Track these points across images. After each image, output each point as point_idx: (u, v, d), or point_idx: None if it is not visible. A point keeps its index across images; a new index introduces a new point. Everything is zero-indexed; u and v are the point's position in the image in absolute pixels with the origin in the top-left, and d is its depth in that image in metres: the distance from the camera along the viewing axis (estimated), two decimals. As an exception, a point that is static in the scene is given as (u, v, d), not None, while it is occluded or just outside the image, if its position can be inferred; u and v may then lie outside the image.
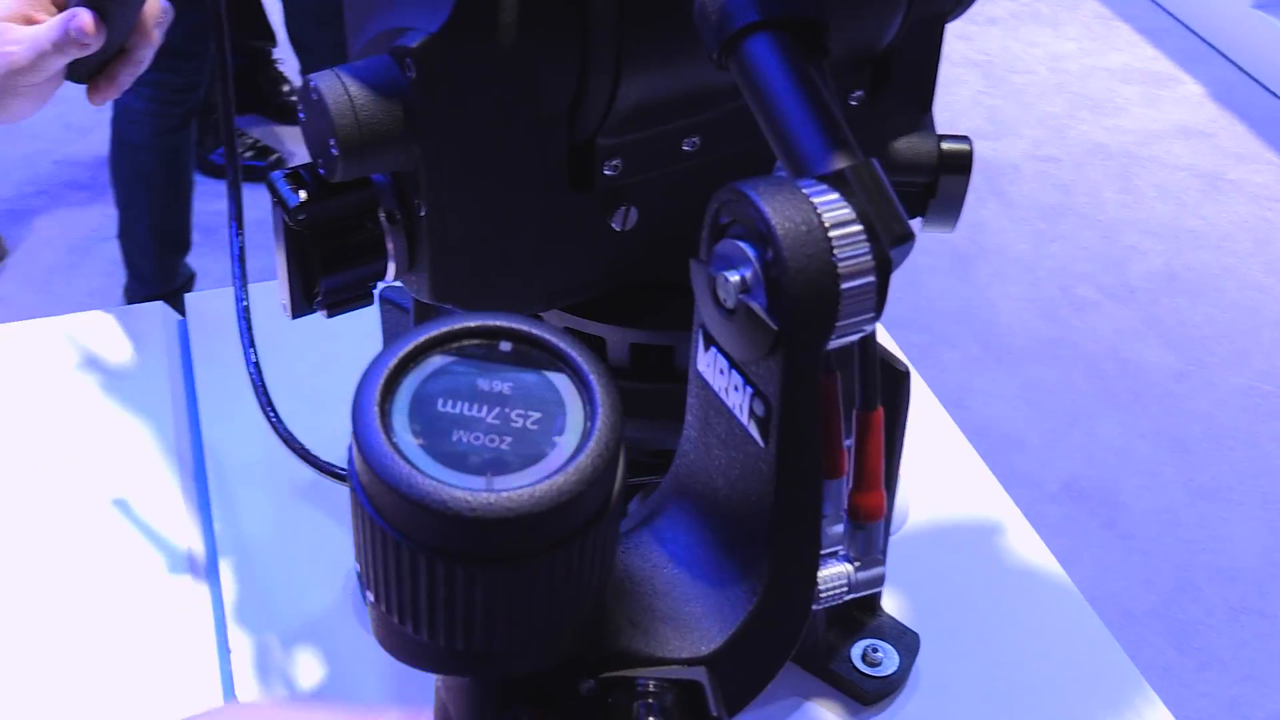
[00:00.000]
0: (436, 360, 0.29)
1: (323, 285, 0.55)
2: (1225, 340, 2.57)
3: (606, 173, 0.56)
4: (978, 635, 0.76)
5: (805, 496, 0.33)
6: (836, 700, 0.72)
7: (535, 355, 0.29)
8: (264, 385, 0.72)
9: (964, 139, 0.62)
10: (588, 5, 0.51)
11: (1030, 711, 0.72)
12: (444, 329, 0.29)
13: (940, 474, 0.86)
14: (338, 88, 0.50)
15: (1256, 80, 3.40)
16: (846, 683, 0.72)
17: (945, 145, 0.62)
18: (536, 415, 0.28)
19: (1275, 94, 3.34)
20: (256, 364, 0.72)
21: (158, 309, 0.97)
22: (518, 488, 0.27)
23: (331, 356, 0.89)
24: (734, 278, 0.31)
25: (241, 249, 0.73)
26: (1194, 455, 2.33)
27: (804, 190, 0.31)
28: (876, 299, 0.31)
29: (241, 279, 0.73)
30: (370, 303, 0.57)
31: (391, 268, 0.55)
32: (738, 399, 0.33)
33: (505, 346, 0.29)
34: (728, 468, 0.34)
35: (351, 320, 0.61)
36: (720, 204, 0.32)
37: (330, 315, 0.57)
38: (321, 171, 0.52)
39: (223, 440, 0.85)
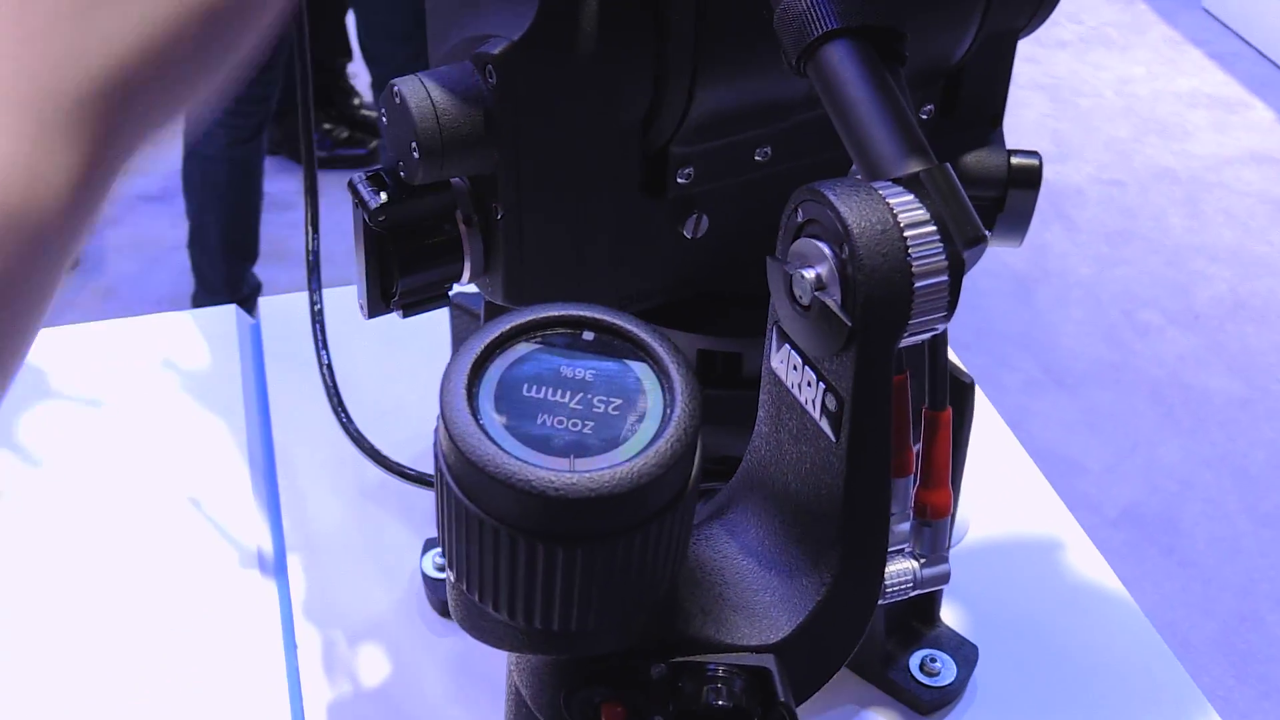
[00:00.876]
0: (522, 347, 0.30)
1: (400, 285, 0.56)
2: (1291, 368, 2.55)
3: (679, 180, 0.56)
4: (1037, 650, 0.76)
5: (875, 491, 0.34)
6: (894, 709, 0.72)
7: (617, 344, 0.30)
8: (335, 386, 0.73)
9: (1033, 154, 0.62)
10: (665, 17, 0.52)
11: (1087, 725, 0.72)
12: (530, 317, 0.30)
13: (1002, 490, 0.86)
14: (420, 91, 0.51)
15: (1327, 107, 3.36)
16: (904, 691, 0.72)
17: (1014, 160, 0.63)
18: (618, 402, 0.29)
19: (1346, 121, 3.30)
20: (329, 365, 0.74)
21: (230, 312, 0.99)
22: (599, 469, 0.28)
23: (401, 361, 0.91)
24: (810, 274, 0.32)
25: (316, 252, 0.75)
26: (1257, 483, 2.30)
27: (880, 191, 0.32)
28: (949, 298, 0.32)
29: (315, 281, 0.75)
30: (445, 304, 0.59)
31: (467, 269, 0.57)
32: (810, 394, 0.34)
33: (588, 335, 0.30)
34: (798, 462, 0.35)
35: (419, 325, 0.62)
36: (797, 204, 0.33)
37: (405, 315, 0.58)
38: (403, 174, 0.54)
39: (293, 440, 0.87)
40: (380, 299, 0.57)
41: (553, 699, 0.34)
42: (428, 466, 0.72)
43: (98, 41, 0.33)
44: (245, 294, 2.40)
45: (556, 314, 0.31)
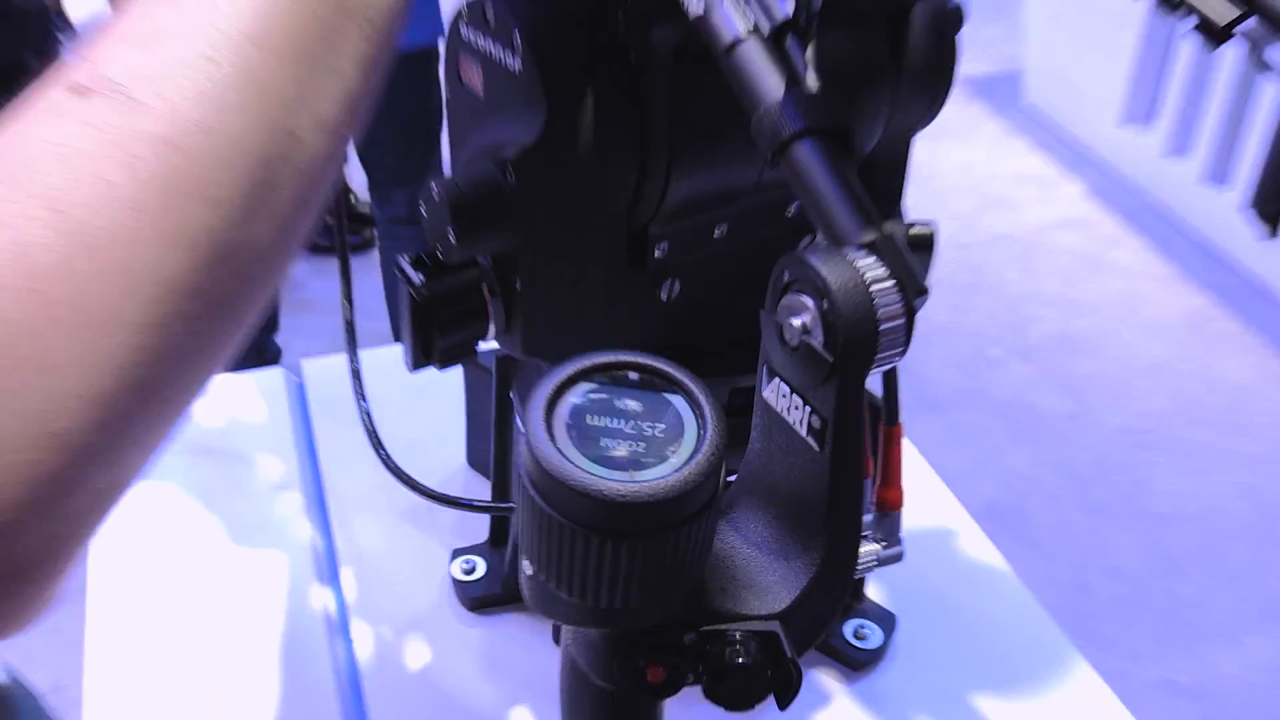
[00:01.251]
0: (583, 386, 0.31)
1: (439, 345, 0.57)
2: (1107, 389, 2.60)
3: (656, 254, 0.58)
4: (942, 616, 0.77)
5: (852, 489, 0.35)
6: (833, 668, 0.73)
7: (657, 382, 0.31)
8: (373, 426, 0.74)
9: (928, 223, 0.64)
10: (647, 129, 0.53)
11: (982, 672, 0.74)
12: (587, 364, 0.31)
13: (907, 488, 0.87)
14: (455, 189, 0.52)
15: (1123, 182, 3.45)
16: (841, 654, 0.73)
17: (913, 230, 0.64)
18: (662, 426, 0.30)
19: (1137, 192, 3.39)
20: (367, 411, 0.74)
21: (279, 373, 0.98)
22: (652, 480, 0.29)
23: (421, 408, 0.91)
24: (798, 323, 0.33)
25: (351, 321, 0.75)
26: (1085, 480, 2.35)
27: (848, 256, 0.33)
28: (905, 337, 0.33)
29: (352, 345, 0.74)
30: (475, 357, 0.59)
31: (492, 330, 0.57)
32: (798, 416, 0.35)
33: (634, 376, 0.31)
34: (789, 470, 0.36)
35: (435, 376, 0.62)
36: (784, 268, 0.34)
37: (442, 368, 0.58)
38: (440, 255, 0.54)
39: (338, 472, 0.87)
40: (422, 355, 0.58)
41: (606, 665, 0.35)
42: (453, 490, 0.73)
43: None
44: (267, 359, 2.37)
45: (608, 360, 0.32)
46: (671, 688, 0.34)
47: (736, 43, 0.39)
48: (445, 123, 0.62)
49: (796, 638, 0.34)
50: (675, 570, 0.31)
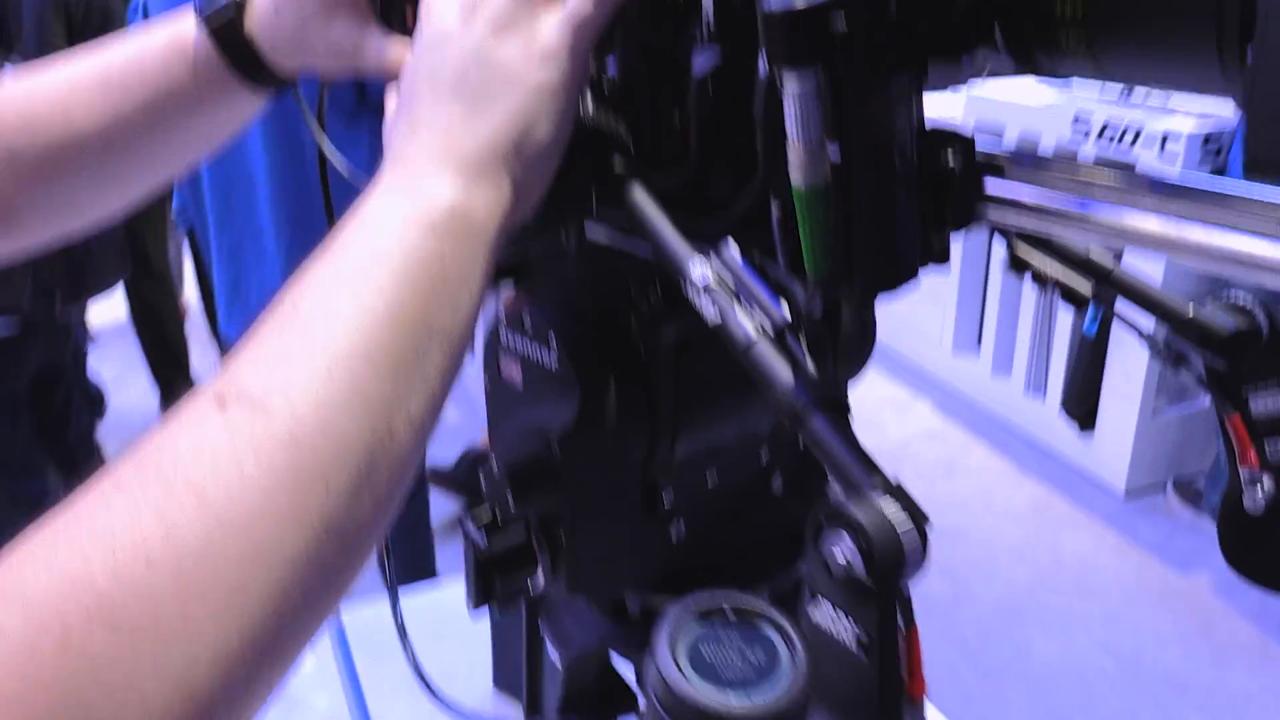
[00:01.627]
0: (695, 627, 0.32)
1: (499, 589, 0.57)
2: (978, 569, 2.63)
3: (665, 505, 0.60)
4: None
5: (894, 687, 0.36)
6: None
7: (754, 618, 0.33)
8: (423, 673, 0.72)
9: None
10: (654, 408, 0.56)
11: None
12: (698, 609, 0.33)
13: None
14: (511, 464, 0.54)
15: (962, 399, 3.59)
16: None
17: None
18: (762, 653, 0.32)
19: (975, 405, 3.52)
20: (415, 660, 0.73)
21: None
22: (765, 699, 0.30)
23: (448, 636, 0.89)
24: (841, 556, 0.35)
25: (393, 577, 0.74)
26: (974, 649, 2.34)
27: (869, 499, 0.36)
28: (924, 555, 0.35)
29: (393, 592, 0.74)
30: (528, 595, 0.60)
31: (541, 575, 0.58)
32: (844, 631, 0.36)
33: (731, 615, 0.33)
34: (840, 678, 0.37)
35: (459, 611, 0.62)
36: (822, 513, 0.36)
37: (501, 611, 0.58)
38: (498, 515, 0.56)
39: (376, 690, 0.84)
40: (483, 597, 0.58)
41: None
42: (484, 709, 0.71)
43: (486, 129, 0.43)
44: None
45: (712, 605, 0.33)
46: None
47: (751, 344, 0.42)
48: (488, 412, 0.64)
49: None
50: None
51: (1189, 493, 2.94)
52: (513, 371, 0.59)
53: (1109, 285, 0.53)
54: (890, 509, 0.35)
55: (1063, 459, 3.20)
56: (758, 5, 0.33)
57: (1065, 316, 3.15)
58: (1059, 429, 3.21)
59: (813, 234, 0.37)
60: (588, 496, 0.56)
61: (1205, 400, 2.46)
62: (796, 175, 0.36)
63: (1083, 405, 3.10)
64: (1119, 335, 2.93)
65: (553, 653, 0.66)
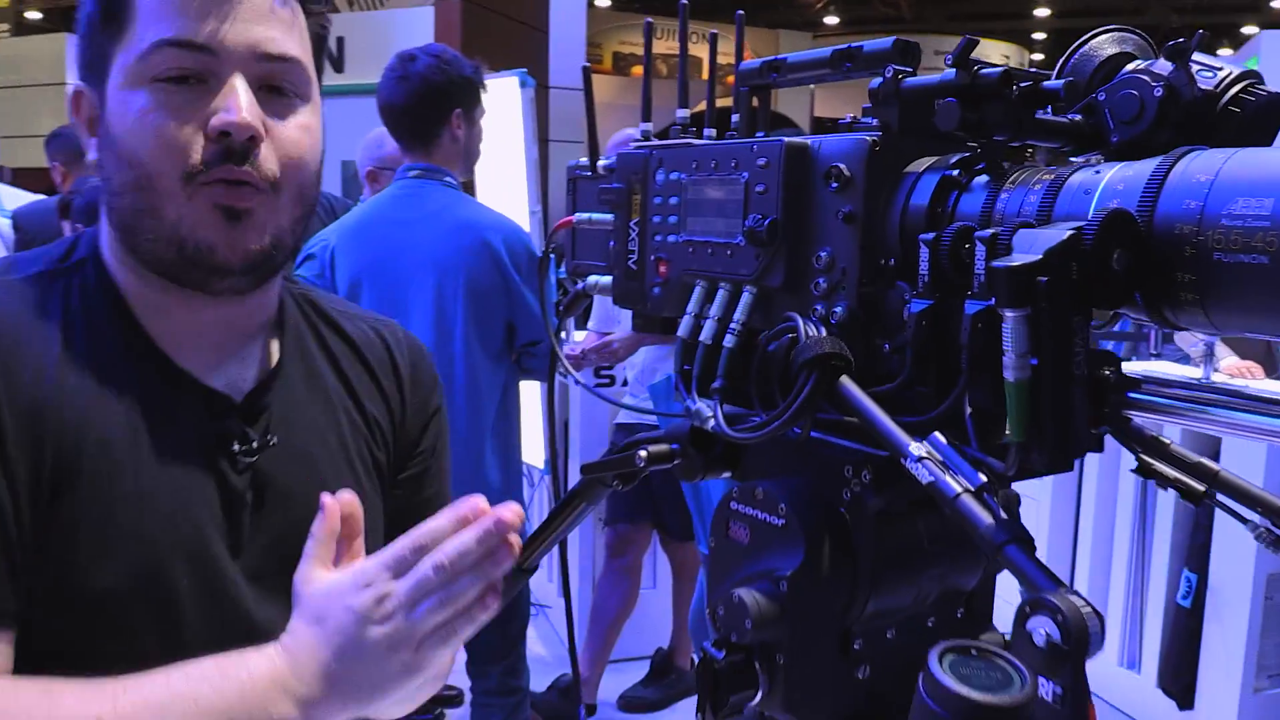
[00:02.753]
0: (953, 655, 0.48)
1: (727, 704, 0.72)
2: None
3: (855, 647, 0.75)
4: None
5: (1082, 729, 0.51)
6: None
7: (991, 655, 0.49)
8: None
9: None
10: (856, 572, 0.72)
11: None
12: (948, 646, 0.49)
13: None
14: (754, 600, 0.71)
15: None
16: None
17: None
18: (999, 674, 0.47)
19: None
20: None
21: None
22: (1009, 699, 0.46)
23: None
24: (1041, 632, 0.52)
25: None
26: None
27: (1065, 593, 0.52)
28: (1102, 637, 0.51)
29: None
30: (741, 714, 0.74)
31: (760, 695, 0.73)
32: (1045, 690, 0.52)
33: (975, 651, 0.49)
34: (1039, 725, 0.52)
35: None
36: (1026, 602, 0.53)
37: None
38: (734, 639, 0.71)
39: None
40: (711, 713, 0.72)
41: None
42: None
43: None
44: None
45: (962, 645, 0.49)
46: None
47: (957, 497, 0.60)
48: (710, 554, 0.80)
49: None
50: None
51: (1297, 780, 2.86)
52: (739, 533, 0.77)
53: (1217, 484, 0.70)
54: (1073, 599, 0.52)
55: (1161, 735, 3.15)
56: (988, 264, 0.54)
57: (1158, 587, 3.20)
58: (1157, 704, 3.17)
59: (1018, 414, 0.56)
60: (800, 632, 0.72)
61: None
62: (1009, 374, 0.55)
63: (1180, 680, 3.08)
64: (1215, 607, 2.97)
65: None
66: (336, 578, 0.77)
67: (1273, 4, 16.61)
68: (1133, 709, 3.27)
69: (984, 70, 0.67)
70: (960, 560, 0.77)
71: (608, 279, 0.89)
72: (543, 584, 3.86)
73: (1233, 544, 2.88)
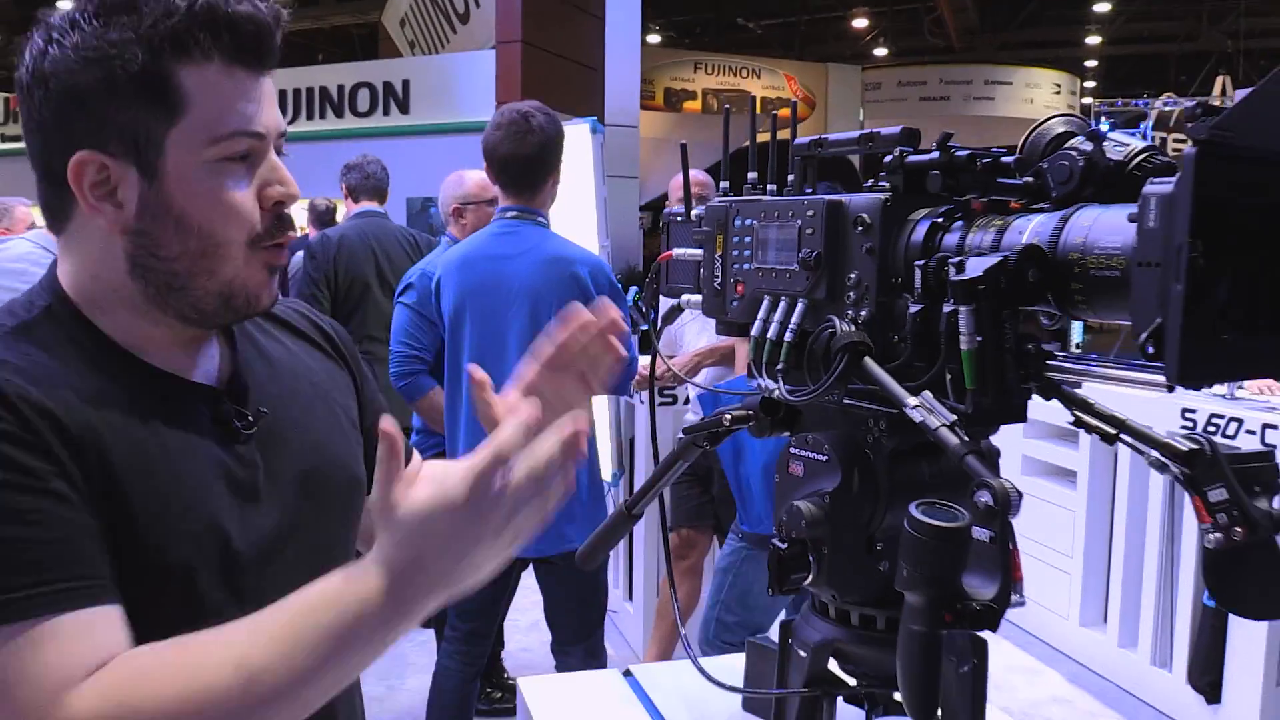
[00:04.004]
0: (922, 506, 0.83)
1: (789, 579, 1.06)
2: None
3: (877, 547, 1.08)
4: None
5: (1008, 563, 0.85)
6: None
7: (948, 506, 0.83)
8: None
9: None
10: (877, 493, 1.07)
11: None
12: (923, 500, 0.83)
13: None
14: (805, 506, 1.05)
15: (1089, 669, 3.80)
16: None
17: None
18: (950, 514, 0.82)
19: (1102, 678, 3.72)
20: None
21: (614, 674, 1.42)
22: (953, 525, 0.80)
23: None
24: (983, 500, 0.86)
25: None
26: None
27: (1000, 479, 0.86)
28: (1019, 503, 0.85)
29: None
30: (799, 593, 1.08)
31: (810, 576, 1.07)
32: (984, 535, 0.86)
33: (937, 504, 0.83)
34: (982, 556, 0.86)
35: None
36: (975, 484, 0.87)
37: (783, 592, 1.06)
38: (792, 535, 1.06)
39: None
40: (777, 586, 1.07)
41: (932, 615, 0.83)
42: None
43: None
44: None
45: (929, 500, 0.84)
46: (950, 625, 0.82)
47: (938, 429, 0.93)
48: (775, 484, 1.13)
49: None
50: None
51: (1319, 768, 3.09)
52: (796, 468, 1.11)
53: (1125, 429, 1.03)
54: (1007, 482, 0.85)
55: (1189, 728, 3.40)
56: (947, 278, 0.89)
57: (1186, 590, 3.46)
58: (1187, 700, 3.42)
59: (970, 371, 0.90)
60: (837, 532, 1.06)
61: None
62: (964, 345, 0.90)
63: (1206, 677, 3.33)
64: (1237, 608, 3.22)
65: (799, 650, 1.13)
66: (426, 496, 0.79)
67: (1328, 29, 16.63)
68: (1165, 705, 3.52)
69: (958, 151, 1.02)
70: (951, 491, 1.10)
71: (698, 296, 1.24)
72: (612, 590, 4.19)
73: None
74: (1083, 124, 1.09)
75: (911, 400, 0.95)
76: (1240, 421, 3.21)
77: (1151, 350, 0.80)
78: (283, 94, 12.35)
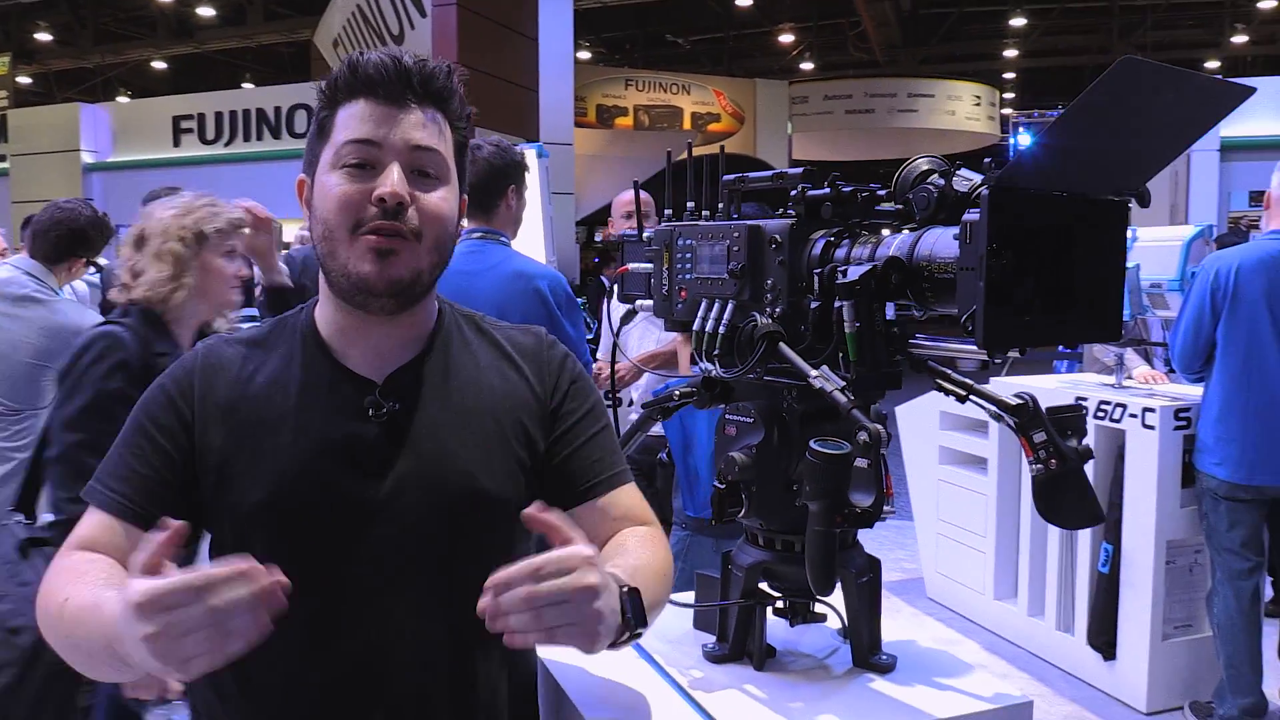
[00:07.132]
0: (818, 440, 1.19)
1: (728, 508, 1.41)
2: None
3: (794, 487, 1.44)
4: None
5: (881, 481, 1.22)
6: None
7: (838, 440, 1.19)
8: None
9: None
10: (791, 445, 1.43)
11: None
12: (819, 437, 1.19)
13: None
14: (739, 455, 1.41)
15: (1003, 637, 4.19)
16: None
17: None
18: (839, 447, 1.17)
19: (1014, 645, 4.12)
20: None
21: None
22: (839, 453, 1.16)
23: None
24: (861, 438, 1.23)
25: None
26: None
27: (875, 424, 1.23)
28: (887, 440, 1.22)
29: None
30: (734, 519, 1.44)
31: (743, 510, 1.42)
32: (863, 464, 1.23)
33: (830, 440, 1.19)
34: (862, 478, 1.23)
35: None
36: (854, 426, 1.24)
37: (722, 522, 1.41)
38: (727, 478, 1.41)
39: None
40: (719, 516, 1.42)
41: (826, 518, 1.19)
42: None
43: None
44: None
45: (824, 438, 1.20)
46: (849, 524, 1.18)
47: (831, 391, 1.29)
48: (714, 442, 1.48)
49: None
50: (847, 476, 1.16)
51: (1203, 710, 3.53)
52: (730, 429, 1.47)
53: (973, 392, 1.41)
54: (879, 426, 1.22)
55: (1091, 685, 3.82)
56: (835, 282, 1.26)
57: (1084, 563, 3.89)
58: (1086, 658, 3.85)
59: (852, 348, 1.27)
60: (763, 475, 1.42)
61: (1205, 628, 3.17)
62: (847, 329, 1.27)
63: (1102, 637, 3.77)
64: (1128, 572, 3.66)
65: (736, 572, 1.48)
66: (171, 581, 0.90)
67: (1232, 40, 17.65)
68: (1069, 665, 3.94)
69: (845, 187, 1.39)
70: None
71: (649, 301, 1.60)
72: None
73: (1140, 518, 3.58)
74: (941, 163, 1.47)
75: (814, 372, 1.31)
76: (1124, 406, 3.65)
77: (971, 329, 1.17)
78: (218, 115, 12.52)
